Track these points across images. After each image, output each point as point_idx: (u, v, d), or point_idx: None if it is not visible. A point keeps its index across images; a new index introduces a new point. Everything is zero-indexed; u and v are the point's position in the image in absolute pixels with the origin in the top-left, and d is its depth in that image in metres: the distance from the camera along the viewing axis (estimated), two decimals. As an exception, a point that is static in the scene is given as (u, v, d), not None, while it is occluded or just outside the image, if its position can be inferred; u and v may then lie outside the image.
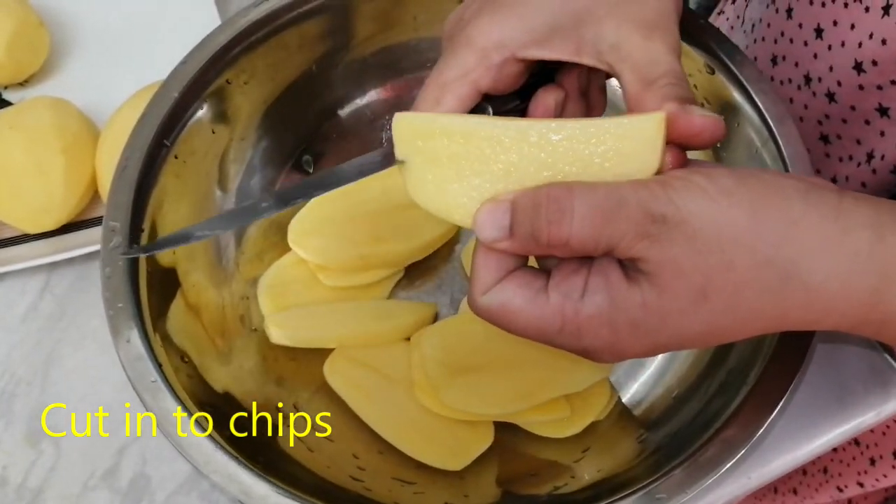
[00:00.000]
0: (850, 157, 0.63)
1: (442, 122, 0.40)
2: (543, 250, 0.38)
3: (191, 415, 0.48)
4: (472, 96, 0.45)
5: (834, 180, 0.65)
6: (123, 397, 0.62)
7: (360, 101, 0.69)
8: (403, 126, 0.41)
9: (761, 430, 0.47)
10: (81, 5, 0.81)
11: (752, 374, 0.50)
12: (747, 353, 0.52)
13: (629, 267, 0.38)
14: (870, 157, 0.61)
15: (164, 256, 0.56)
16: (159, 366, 0.49)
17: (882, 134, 0.59)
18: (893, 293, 0.37)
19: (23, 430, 0.61)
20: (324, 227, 0.63)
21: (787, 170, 0.54)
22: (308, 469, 0.54)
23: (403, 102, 0.69)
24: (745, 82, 0.56)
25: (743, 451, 0.46)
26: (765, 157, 0.56)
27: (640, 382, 0.60)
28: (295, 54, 0.63)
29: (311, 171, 0.68)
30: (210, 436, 0.48)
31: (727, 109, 0.58)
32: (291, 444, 0.56)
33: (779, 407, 0.47)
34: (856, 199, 0.38)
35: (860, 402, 0.60)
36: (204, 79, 0.59)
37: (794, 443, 0.59)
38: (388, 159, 0.44)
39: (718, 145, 0.60)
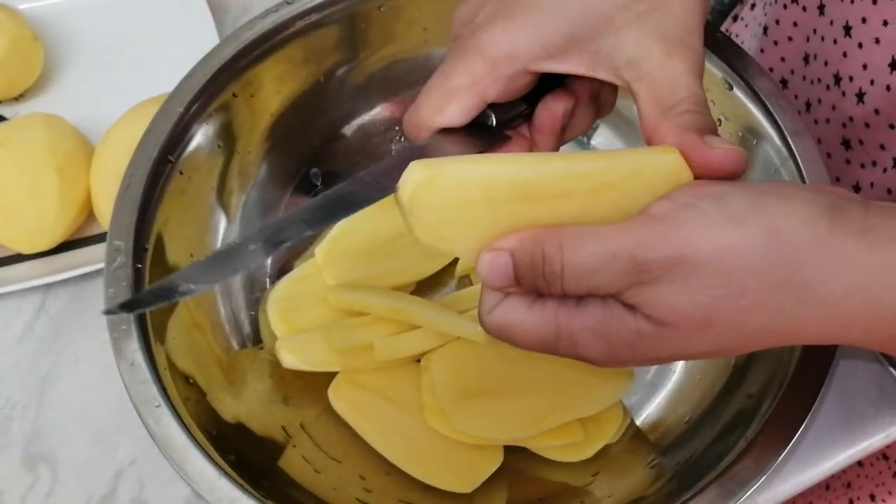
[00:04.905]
0: (874, 163, 0.62)
1: (451, 172, 0.38)
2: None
3: (195, 439, 0.47)
4: (477, 106, 0.44)
5: (856, 188, 0.64)
6: (120, 420, 0.61)
7: (368, 115, 0.68)
8: (408, 202, 0.38)
9: (774, 464, 0.46)
10: (76, 20, 0.80)
11: (766, 404, 0.49)
12: (763, 382, 0.51)
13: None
14: None
15: (168, 273, 0.55)
16: (163, 389, 0.49)
17: None
18: None
19: (19, 454, 0.61)
20: (354, 253, 0.63)
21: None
22: (313, 493, 0.53)
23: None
24: (764, 98, 0.56)
25: (757, 485, 0.46)
26: (783, 175, 0.55)
27: (654, 406, 0.60)
28: (301, 67, 0.63)
29: (318, 184, 0.67)
30: (214, 461, 0.47)
31: (746, 127, 0.57)
32: (297, 465, 0.55)
33: (792, 442, 0.47)
34: (882, 211, 0.37)
35: (869, 424, 0.60)
36: (209, 92, 0.58)
37: (802, 466, 0.59)
38: (384, 189, 0.41)
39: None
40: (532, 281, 0.37)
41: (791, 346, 0.49)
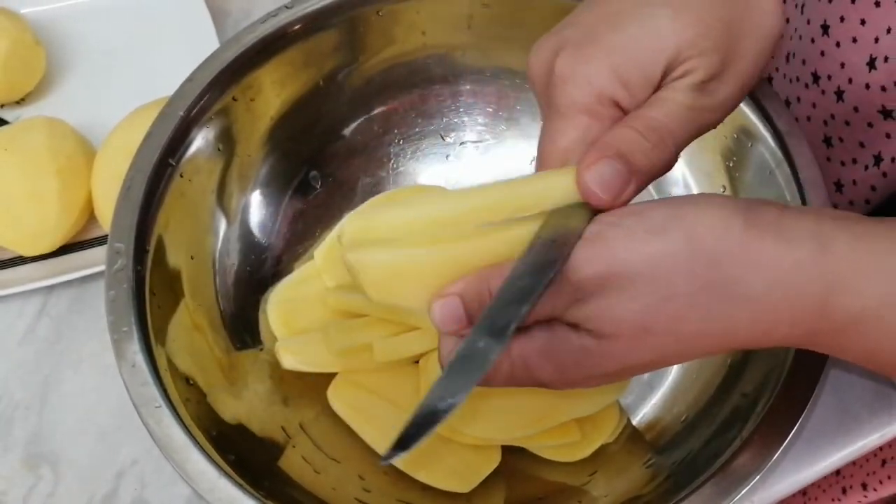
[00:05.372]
0: (854, 161, 0.62)
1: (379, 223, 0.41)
2: None
3: (195, 440, 0.48)
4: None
5: (838, 185, 0.64)
6: (121, 421, 0.62)
7: (368, 118, 0.68)
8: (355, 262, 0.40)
9: (769, 463, 0.47)
10: (78, 24, 0.81)
11: (761, 403, 0.49)
12: (758, 381, 0.51)
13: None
14: (878, 159, 0.60)
15: (168, 275, 0.55)
16: (164, 391, 0.49)
17: (888, 136, 0.58)
18: (841, 303, 0.38)
19: (21, 454, 0.61)
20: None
21: (801, 190, 0.54)
22: (312, 493, 0.53)
23: (411, 118, 0.68)
24: (759, 102, 0.56)
25: (752, 483, 0.46)
26: (779, 178, 0.56)
27: (650, 405, 0.60)
28: (302, 71, 0.63)
29: (318, 186, 0.67)
30: (214, 461, 0.47)
31: (740, 129, 0.58)
32: (297, 465, 0.55)
33: (787, 440, 0.47)
34: (798, 213, 0.39)
35: (864, 425, 0.60)
36: (210, 96, 0.58)
37: (797, 466, 0.59)
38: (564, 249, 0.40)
39: (731, 164, 0.60)
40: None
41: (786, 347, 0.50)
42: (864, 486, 0.76)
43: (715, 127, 0.46)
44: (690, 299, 0.37)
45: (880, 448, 0.74)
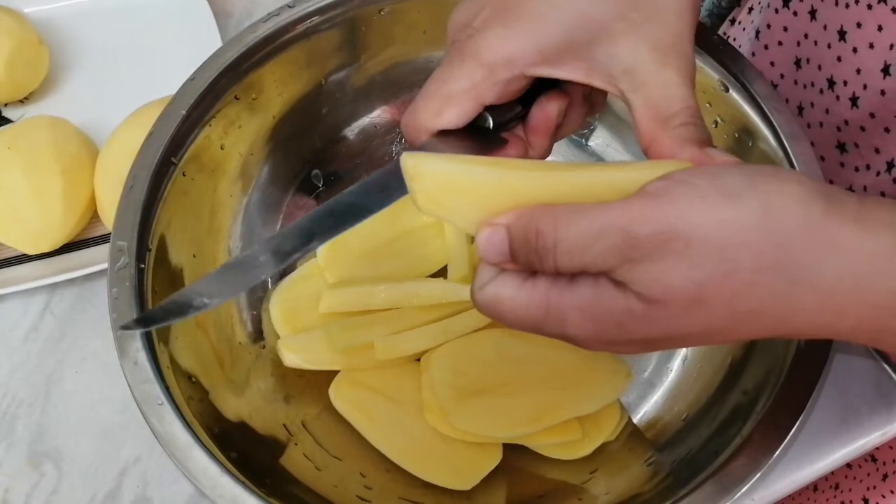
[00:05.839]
0: (868, 167, 0.62)
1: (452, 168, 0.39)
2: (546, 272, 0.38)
3: (197, 437, 0.48)
4: (475, 109, 0.45)
5: (850, 190, 0.64)
6: (124, 419, 0.62)
7: (369, 117, 0.68)
8: (412, 167, 0.39)
9: (770, 460, 0.47)
10: (81, 24, 0.81)
11: (762, 401, 0.49)
12: (759, 379, 0.52)
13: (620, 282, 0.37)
14: (890, 166, 0.60)
15: (170, 273, 0.56)
16: (167, 388, 0.49)
17: None
18: None
19: (24, 452, 0.61)
20: (355, 254, 0.63)
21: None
22: (314, 490, 0.53)
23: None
24: (760, 100, 0.56)
25: (752, 481, 0.46)
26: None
27: (651, 404, 0.60)
28: (304, 70, 0.63)
29: (320, 185, 0.67)
30: (216, 459, 0.47)
31: (741, 129, 0.58)
32: (299, 463, 0.55)
33: (788, 438, 0.47)
34: (877, 203, 0.36)
35: (865, 422, 0.60)
36: (212, 95, 0.58)
37: (798, 464, 0.59)
38: (388, 195, 0.41)
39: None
40: (526, 256, 0.37)
41: (787, 342, 0.50)
42: (866, 501, 0.76)
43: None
44: (754, 276, 0.35)
45: (884, 462, 0.74)
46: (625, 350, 0.39)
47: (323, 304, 0.60)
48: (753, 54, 0.71)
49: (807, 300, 0.35)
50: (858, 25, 0.57)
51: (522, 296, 0.38)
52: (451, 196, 0.38)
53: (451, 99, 0.44)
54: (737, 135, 0.58)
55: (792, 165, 0.54)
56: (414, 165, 0.37)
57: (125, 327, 0.40)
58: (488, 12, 0.44)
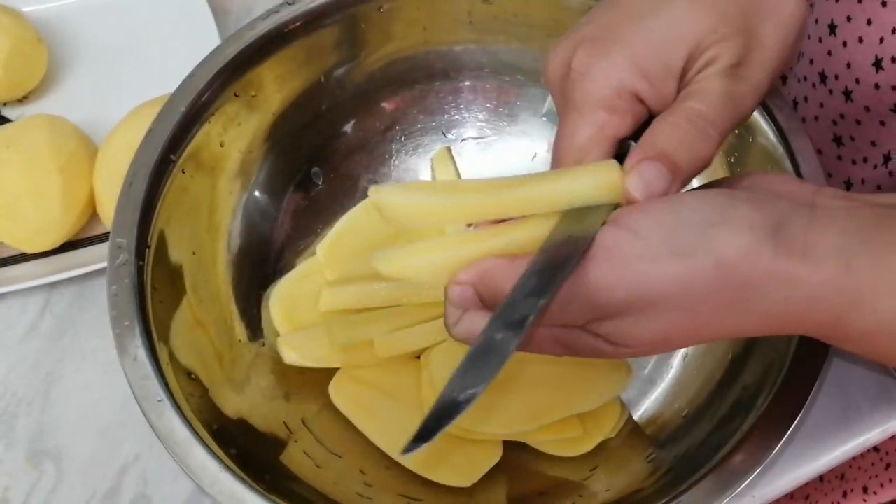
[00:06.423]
0: (865, 160, 0.62)
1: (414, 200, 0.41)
2: None
3: (197, 434, 0.48)
4: (613, 147, 0.44)
5: (848, 184, 0.64)
6: (123, 417, 0.62)
7: (369, 114, 0.68)
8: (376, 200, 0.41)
9: (770, 456, 0.47)
10: (80, 22, 0.81)
11: (762, 398, 0.49)
12: (759, 375, 0.51)
13: None
14: (886, 158, 0.60)
15: (170, 270, 0.56)
16: (166, 384, 0.49)
17: None
18: (856, 318, 0.38)
19: (24, 450, 0.61)
20: (355, 251, 0.63)
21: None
22: (314, 487, 0.53)
23: (413, 114, 0.69)
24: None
25: (752, 477, 0.46)
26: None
27: (651, 400, 0.60)
28: (303, 67, 0.63)
29: (319, 182, 0.67)
30: (216, 455, 0.47)
31: (742, 125, 0.58)
32: (298, 460, 0.55)
33: (788, 433, 0.47)
34: (826, 223, 0.38)
35: (866, 419, 0.60)
36: (211, 92, 0.58)
37: (798, 461, 0.59)
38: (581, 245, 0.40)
39: (732, 160, 0.60)
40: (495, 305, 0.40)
41: (788, 337, 0.50)
42: (865, 490, 0.76)
43: (750, 115, 0.45)
44: (713, 314, 0.38)
45: (886, 452, 0.74)
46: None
47: (322, 303, 0.60)
48: None
49: (758, 321, 0.39)
50: (848, 19, 0.57)
51: None
52: (415, 220, 0.41)
53: (588, 151, 0.43)
54: (737, 131, 0.58)
55: (793, 160, 0.54)
56: (378, 199, 0.41)
57: (408, 450, 0.36)
58: (584, 51, 0.44)
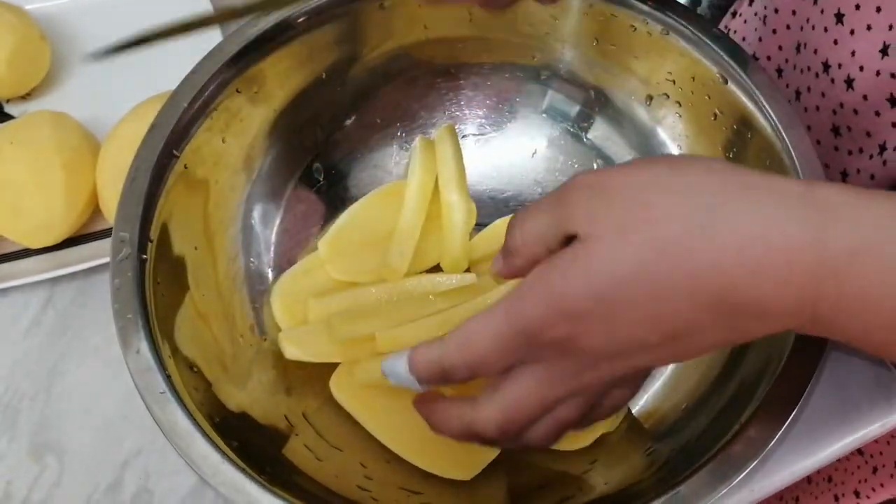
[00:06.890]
0: (861, 150, 0.62)
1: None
2: None
3: (199, 426, 0.48)
4: None
5: (844, 174, 0.65)
6: (126, 411, 0.62)
7: (371, 110, 0.68)
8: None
9: (768, 447, 0.47)
10: (82, 20, 0.81)
11: (760, 390, 0.49)
12: (758, 368, 0.52)
13: None
14: (882, 148, 0.60)
15: (172, 264, 0.56)
16: (168, 377, 0.49)
17: (894, 125, 0.59)
18: (836, 235, 0.35)
19: (26, 444, 0.61)
20: (357, 246, 0.64)
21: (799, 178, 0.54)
22: (315, 480, 0.54)
23: (414, 111, 0.69)
24: (757, 91, 0.56)
25: (749, 469, 0.47)
26: (778, 168, 0.55)
27: (650, 394, 0.60)
28: (305, 63, 0.63)
29: (321, 178, 0.67)
30: (218, 447, 0.48)
31: (739, 120, 0.58)
32: (300, 453, 0.55)
33: (786, 424, 0.47)
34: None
35: (864, 414, 0.60)
36: (213, 88, 0.59)
37: (797, 455, 0.59)
38: None
39: (730, 156, 0.60)
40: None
41: (786, 332, 0.50)
42: (857, 494, 0.76)
43: None
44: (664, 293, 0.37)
45: (871, 455, 0.74)
46: None
47: (311, 314, 0.61)
48: (761, 40, 0.71)
49: (727, 240, 0.36)
50: (857, 7, 0.57)
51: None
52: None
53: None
54: (735, 126, 0.59)
55: (790, 156, 0.55)
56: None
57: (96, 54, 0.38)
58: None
